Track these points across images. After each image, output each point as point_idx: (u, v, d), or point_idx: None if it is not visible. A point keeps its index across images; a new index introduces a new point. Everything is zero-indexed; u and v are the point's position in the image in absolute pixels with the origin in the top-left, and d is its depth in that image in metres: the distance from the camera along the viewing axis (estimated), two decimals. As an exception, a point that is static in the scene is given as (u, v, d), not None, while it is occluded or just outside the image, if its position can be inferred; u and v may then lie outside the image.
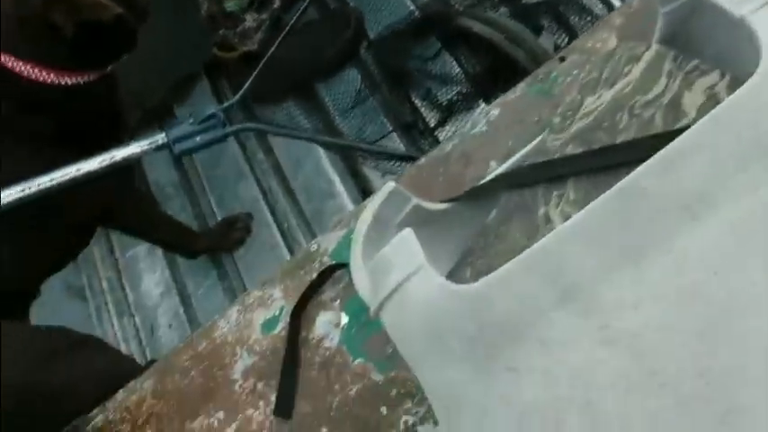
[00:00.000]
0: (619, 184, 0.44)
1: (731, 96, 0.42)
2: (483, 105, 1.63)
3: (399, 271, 0.46)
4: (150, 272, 1.87)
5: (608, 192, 0.44)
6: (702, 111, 0.63)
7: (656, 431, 0.40)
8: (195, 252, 1.70)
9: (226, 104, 1.16)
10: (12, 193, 1.01)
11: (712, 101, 0.63)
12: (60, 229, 1.22)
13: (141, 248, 1.90)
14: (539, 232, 0.63)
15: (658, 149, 0.44)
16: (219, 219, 1.78)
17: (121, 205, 1.38)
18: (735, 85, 0.60)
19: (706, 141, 0.43)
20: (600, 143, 0.64)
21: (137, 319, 1.82)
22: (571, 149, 0.66)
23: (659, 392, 0.41)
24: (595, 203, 0.44)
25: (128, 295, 1.88)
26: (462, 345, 0.44)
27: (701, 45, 0.62)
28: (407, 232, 0.48)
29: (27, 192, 1.02)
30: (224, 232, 1.69)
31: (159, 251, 1.85)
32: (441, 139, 1.59)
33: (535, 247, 0.44)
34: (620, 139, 0.63)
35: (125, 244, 1.93)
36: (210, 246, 1.70)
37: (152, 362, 1.05)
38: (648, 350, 0.41)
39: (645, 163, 0.44)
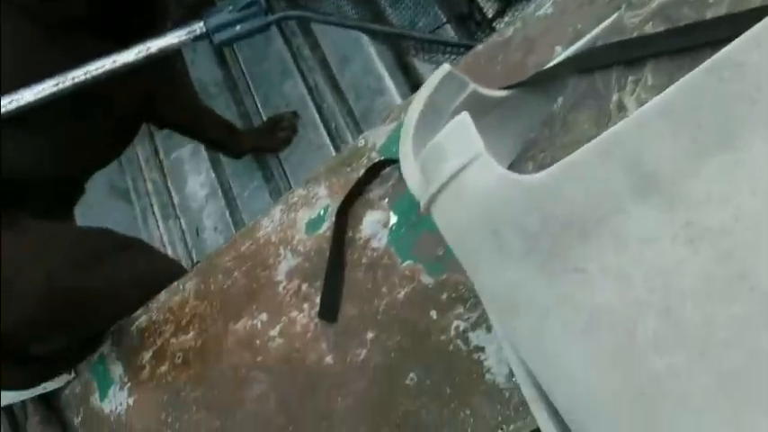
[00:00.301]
0: (710, 59, 0.39)
1: None
2: (546, -7, 1.53)
3: (455, 159, 0.42)
4: (195, 173, 1.87)
5: (697, 69, 0.39)
6: (808, -19, 0.56)
7: (742, 341, 0.37)
8: (240, 152, 1.68)
9: (267, -10, 1.11)
10: (45, 88, 1.00)
11: (820, -31, 0.55)
12: (100, 122, 1.20)
13: (186, 150, 1.89)
14: (611, 121, 0.58)
15: (754, 24, 0.39)
16: (265, 118, 1.75)
17: (162, 96, 1.36)
18: None
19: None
20: (685, 20, 0.58)
21: (182, 222, 1.84)
22: (651, 28, 0.60)
23: (748, 297, 0.37)
24: (682, 82, 0.39)
25: (173, 197, 1.89)
26: (523, 242, 0.41)
27: None
28: (464, 116, 0.44)
29: (61, 86, 1.00)
30: (269, 132, 1.66)
31: (204, 153, 1.84)
32: (499, 30, 1.51)
33: (610, 131, 0.39)
34: (708, 15, 0.57)
35: (170, 145, 1.92)
36: (255, 145, 1.68)
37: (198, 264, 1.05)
38: (739, 250, 0.37)
39: (741, 36, 0.39)
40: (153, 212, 1.92)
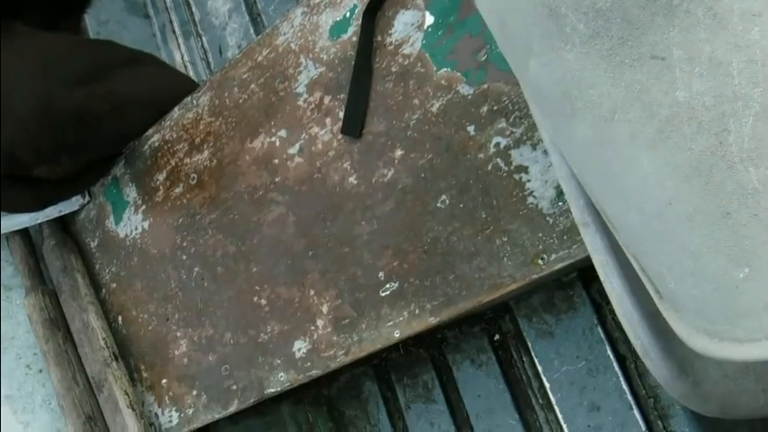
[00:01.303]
0: None
1: None
2: None
3: None
4: (217, -13, 1.77)
5: None
6: None
7: None
8: (263, -39, 1.57)
9: None
10: None
11: None
12: None
13: (206, -40, 1.78)
14: None
15: None
16: None
17: None
18: None
19: None
20: None
21: (204, 40, 1.75)
22: None
23: None
24: None
25: (194, 13, 1.80)
26: (588, 22, 0.33)
27: None
28: None
29: None
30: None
31: (225, -37, 1.73)
32: None
33: None
34: None
35: (188, -45, 1.81)
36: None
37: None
38: None
39: None
40: (173, 30, 1.84)
